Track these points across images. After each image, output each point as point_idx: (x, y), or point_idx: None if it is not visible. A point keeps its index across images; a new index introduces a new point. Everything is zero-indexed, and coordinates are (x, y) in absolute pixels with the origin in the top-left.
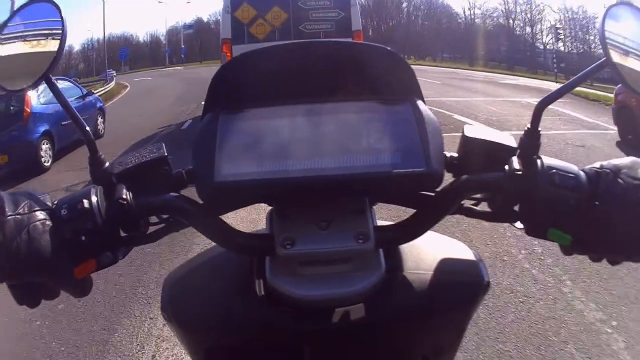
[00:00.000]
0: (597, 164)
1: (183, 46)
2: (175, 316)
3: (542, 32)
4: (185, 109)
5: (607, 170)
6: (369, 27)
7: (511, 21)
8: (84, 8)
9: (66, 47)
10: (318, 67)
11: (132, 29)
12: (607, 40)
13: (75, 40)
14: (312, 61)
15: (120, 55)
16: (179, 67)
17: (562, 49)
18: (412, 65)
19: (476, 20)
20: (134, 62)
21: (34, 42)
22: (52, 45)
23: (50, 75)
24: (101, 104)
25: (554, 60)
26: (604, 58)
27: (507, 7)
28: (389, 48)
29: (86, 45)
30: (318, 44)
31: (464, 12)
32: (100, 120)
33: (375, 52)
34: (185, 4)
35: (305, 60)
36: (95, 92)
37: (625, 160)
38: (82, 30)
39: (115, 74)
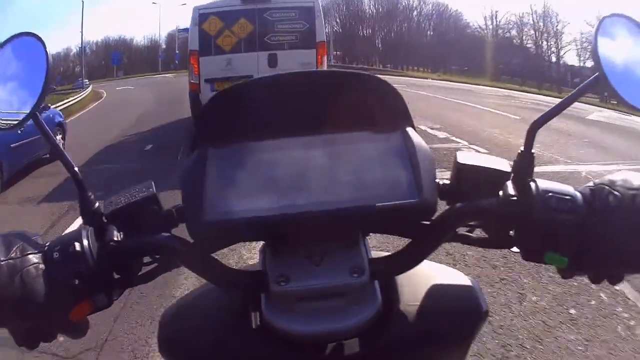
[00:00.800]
0: (591, 183)
1: (177, 51)
2: (173, 354)
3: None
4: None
5: (602, 186)
6: (376, 37)
7: (534, 35)
8: (75, 7)
9: (61, 51)
10: (306, 98)
11: (130, 32)
12: (601, 54)
13: (72, 42)
14: (300, 93)
15: (112, 60)
16: (169, 75)
17: (576, 64)
18: (439, 82)
19: (496, 31)
20: (130, 67)
21: (19, 78)
22: (38, 81)
23: (37, 113)
24: (61, 119)
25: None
26: (597, 73)
27: (532, 19)
28: (378, 76)
29: (83, 49)
30: (306, 75)
31: (485, 22)
32: (59, 137)
33: (364, 81)
34: (181, 6)
35: (293, 91)
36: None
37: (618, 174)
38: (75, 32)
39: (88, 82)
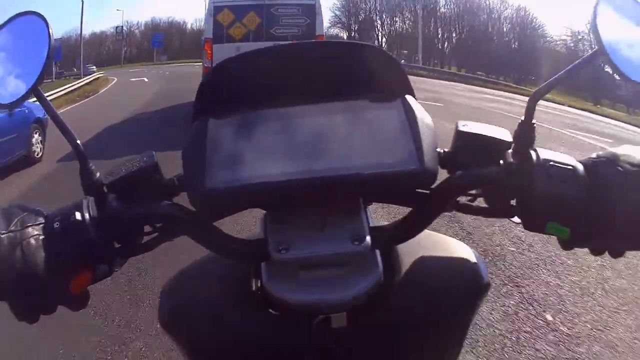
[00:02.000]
0: (594, 155)
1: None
2: (174, 328)
3: None
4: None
5: (605, 159)
6: (444, 39)
7: None
8: None
9: (97, 32)
10: (306, 68)
11: (181, 15)
12: (600, 30)
13: (106, 24)
14: (299, 63)
15: (152, 43)
16: (197, 64)
17: None
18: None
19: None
20: (181, 52)
21: (21, 56)
22: (40, 58)
23: (39, 88)
24: (40, 115)
25: None
26: (597, 48)
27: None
28: (376, 45)
29: (118, 30)
30: (305, 45)
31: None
32: (36, 137)
33: (363, 50)
34: None
35: (292, 62)
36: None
37: (622, 148)
38: (111, 11)
39: (95, 69)
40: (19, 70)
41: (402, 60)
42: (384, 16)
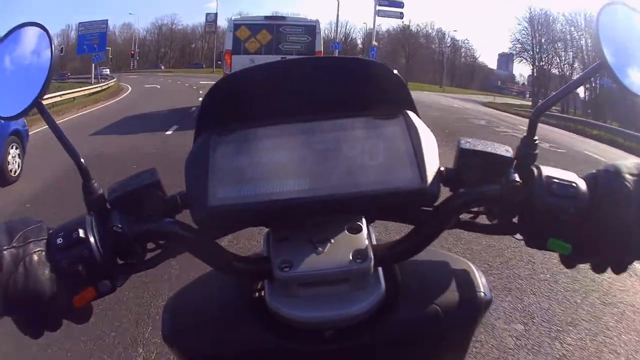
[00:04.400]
0: (595, 170)
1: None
2: (176, 342)
3: None
4: None
5: (606, 172)
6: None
7: None
8: None
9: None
10: (308, 83)
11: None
12: (602, 42)
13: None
14: (300, 78)
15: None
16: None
17: None
18: None
19: None
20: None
21: (23, 67)
22: (42, 70)
23: (41, 101)
24: (18, 127)
25: None
26: (599, 61)
27: None
28: (378, 61)
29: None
30: (306, 61)
31: None
32: (13, 152)
33: (364, 66)
34: None
35: (294, 77)
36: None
37: (624, 161)
38: (124, 14)
39: (109, 73)
40: (21, 82)
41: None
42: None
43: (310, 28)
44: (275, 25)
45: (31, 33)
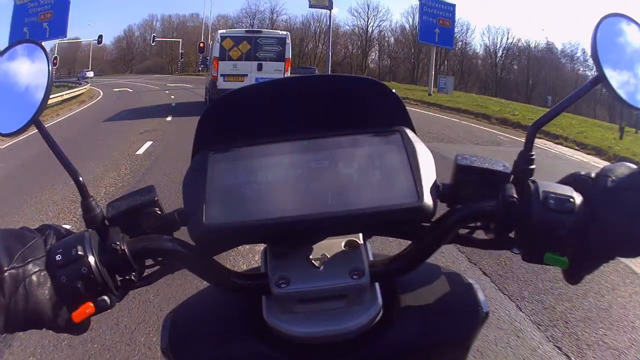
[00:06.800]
0: (592, 175)
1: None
2: (175, 356)
3: None
4: None
5: (604, 186)
6: None
7: None
8: None
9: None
10: (304, 102)
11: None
12: (600, 55)
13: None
14: (298, 97)
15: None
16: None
17: None
18: None
19: None
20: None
21: (21, 85)
22: (39, 87)
23: (39, 119)
24: None
25: None
26: (597, 74)
27: None
28: (373, 78)
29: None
30: (303, 79)
31: None
32: None
33: (360, 83)
34: None
35: (291, 96)
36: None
37: (615, 165)
38: (83, 25)
39: (91, 76)
40: (20, 98)
41: None
42: None
43: (282, 40)
44: (253, 38)
45: (28, 50)
